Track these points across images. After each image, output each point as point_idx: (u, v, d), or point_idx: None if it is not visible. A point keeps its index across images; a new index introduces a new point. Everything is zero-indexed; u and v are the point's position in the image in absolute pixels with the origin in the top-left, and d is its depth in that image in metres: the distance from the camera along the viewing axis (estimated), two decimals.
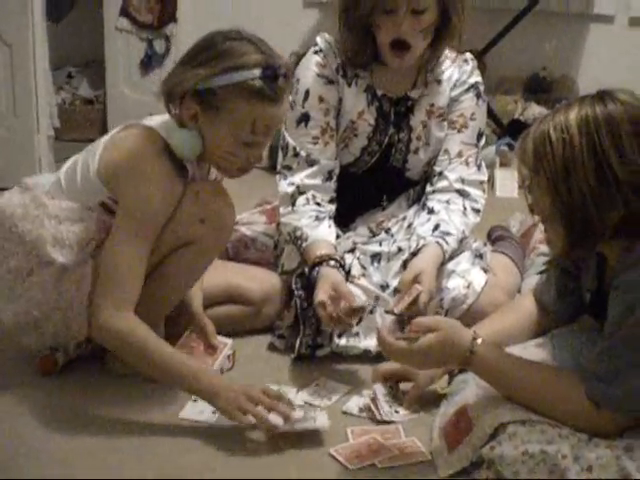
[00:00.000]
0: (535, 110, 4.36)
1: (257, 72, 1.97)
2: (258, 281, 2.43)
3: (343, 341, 2.33)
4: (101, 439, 1.94)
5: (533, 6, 4.24)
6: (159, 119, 2.11)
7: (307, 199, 2.43)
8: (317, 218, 2.41)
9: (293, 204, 2.44)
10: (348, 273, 2.38)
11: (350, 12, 2.36)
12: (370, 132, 2.50)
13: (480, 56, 4.24)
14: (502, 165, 3.90)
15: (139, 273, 2.01)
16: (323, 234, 2.39)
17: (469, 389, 1.92)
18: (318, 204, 2.43)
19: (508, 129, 4.14)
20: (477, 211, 2.50)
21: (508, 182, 3.77)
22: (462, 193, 2.49)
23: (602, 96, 1.71)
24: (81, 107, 4.58)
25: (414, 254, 2.38)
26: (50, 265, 2.05)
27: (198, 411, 2.03)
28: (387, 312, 2.24)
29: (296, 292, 2.37)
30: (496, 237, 2.79)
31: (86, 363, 2.23)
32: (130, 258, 2.00)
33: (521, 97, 4.53)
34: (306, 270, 2.35)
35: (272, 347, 2.39)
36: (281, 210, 2.47)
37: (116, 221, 2.03)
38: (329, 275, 2.26)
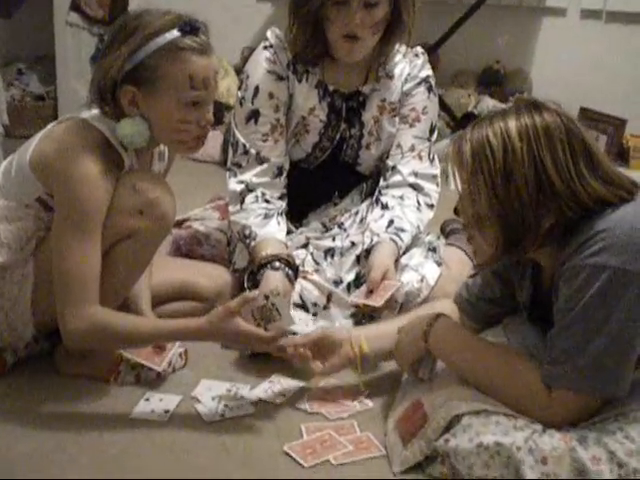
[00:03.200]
0: (489, 103, 4.38)
1: (176, 31, 1.96)
2: (210, 277, 2.41)
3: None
4: (51, 439, 1.90)
5: None
6: (96, 111, 2.07)
7: (256, 197, 2.42)
8: (266, 216, 2.40)
9: (242, 202, 2.42)
10: (297, 270, 2.36)
11: (302, 4, 2.34)
12: (321, 128, 2.49)
13: (433, 50, 4.26)
14: None
15: (92, 269, 1.96)
16: (271, 232, 2.37)
17: (424, 383, 1.92)
18: (267, 201, 2.42)
19: (462, 122, 4.15)
20: (431, 206, 2.51)
21: None
22: (415, 187, 2.49)
23: (536, 106, 1.75)
24: (32, 103, 4.52)
25: (368, 251, 2.38)
26: None
27: (149, 410, 2.01)
28: (358, 306, 2.28)
29: (249, 290, 2.35)
30: (450, 230, 2.79)
31: (36, 362, 2.18)
32: (80, 257, 1.95)
33: (475, 90, 4.56)
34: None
35: (224, 344, 2.36)
36: (230, 209, 2.46)
37: (55, 222, 1.98)
38: (268, 281, 2.25)
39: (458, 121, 4.22)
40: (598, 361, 1.66)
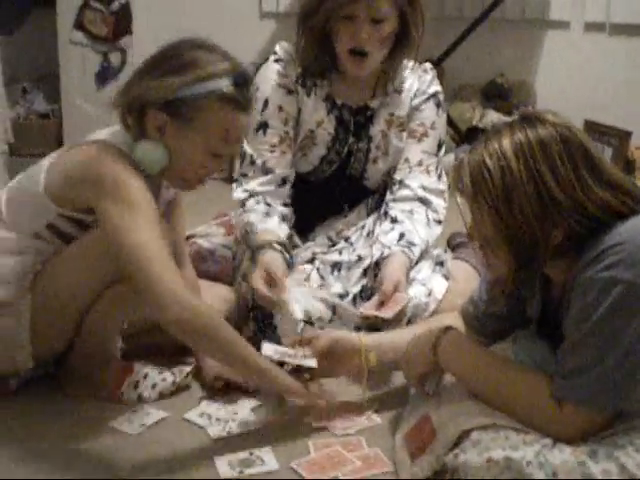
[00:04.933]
0: (493, 117, 4.38)
1: (229, 80, 1.95)
2: (213, 297, 2.34)
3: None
4: (53, 460, 1.88)
5: (489, 13, 4.25)
6: (105, 132, 2.05)
7: (257, 201, 2.43)
8: (267, 214, 2.40)
9: (243, 206, 2.43)
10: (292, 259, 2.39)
11: (310, 17, 2.35)
12: (329, 141, 2.49)
13: (437, 64, 4.25)
14: None
15: (168, 250, 1.88)
16: (272, 227, 2.37)
17: (431, 398, 1.90)
18: (268, 204, 2.42)
19: (466, 136, 4.15)
20: (439, 222, 2.51)
21: None
22: (424, 201, 2.48)
23: (530, 119, 1.73)
24: (36, 122, 4.53)
25: (377, 263, 2.37)
26: None
27: (128, 421, 2.02)
28: (367, 317, 2.28)
29: (254, 311, 2.34)
30: (457, 244, 2.78)
31: (41, 383, 2.16)
32: (155, 240, 1.85)
33: (479, 104, 4.55)
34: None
35: None
36: (234, 215, 2.46)
37: (108, 224, 1.87)
38: (264, 259, 2.27)
39: (463, 135, 4.22)
40: (609, 376, 1.64)
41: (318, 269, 2.44)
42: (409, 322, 2.33)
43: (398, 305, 2.27)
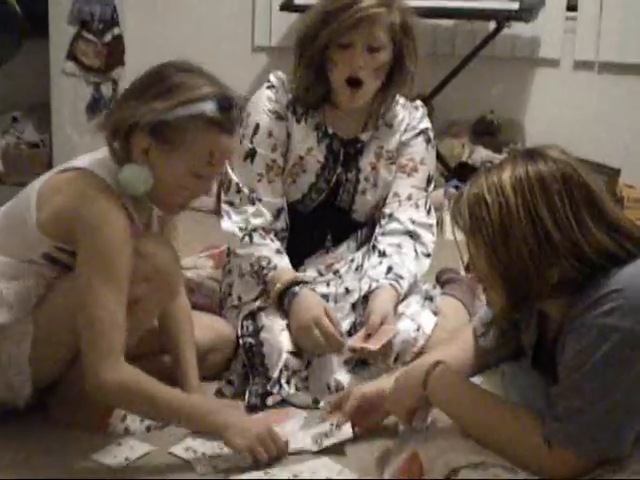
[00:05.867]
0: (482, 153, 4.39)
1: (214, 103, 1.95)
2: (203, 328, 2.35)
3: (292, 390, 2.29)
4: None
5: (479, 51, 4.28)
6: (89, 158, 2.04)
7: (261, 235, 2.42)
8: (278, 251, 2.42)
9: (250, 238, 2.42)
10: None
11: (307, 45, 2.38)
12: (319, 169, 2.50)
13: (427, 100, 4.27)
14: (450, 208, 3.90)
15: (121, 319, 1.92)
16: (289, 266, 2.40)
17: (420, 434, 1.89)
18: (272, 240, 2.43)
19: (456, 172, 4.16)
20: (427, 255, 2.51)
21: None
22: (412, 235, 2.49)
23: (532, 155, 1.70)
24: (27, 151, 4.52)
25: (365, 297, 2.37)
26: None
27: (112, 455, 2.01)
28: (355, 350, 2.28)
29: (243, 339, 2.34)
30: (445, 280, 2.78)
31: (25, 412, 2.14)
32: (110, 306, 1.90)
33: (468, 140, 4.57)
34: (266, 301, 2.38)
35: (220, 393, 2.32)
36: (233, 246, 2.46)
37: (81, 272, 1.93)
38: (308, 298, 2.31)
39: (452, 171, 4.23)
40: (602, 423, 1.63)
41: None
42: (397, 358, 2.33)
43: (385, 337, 2.26)
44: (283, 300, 2.36)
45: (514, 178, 1.66)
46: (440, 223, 3.74)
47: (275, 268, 2.38)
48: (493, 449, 1.73)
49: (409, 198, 2.51)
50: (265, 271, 2.39)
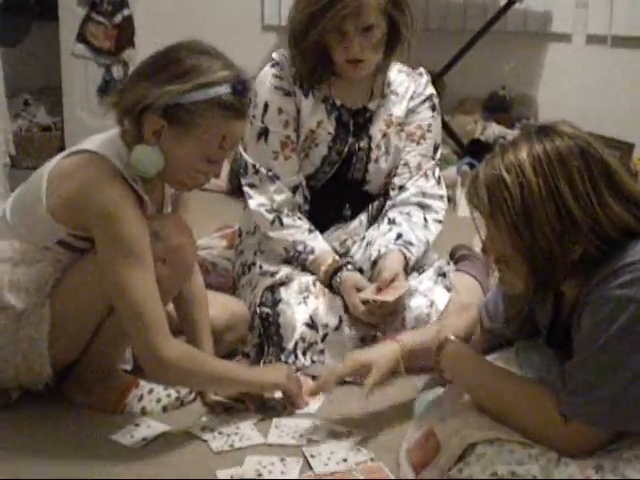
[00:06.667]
0: (495, 129, 4.37)
1: (229, 87, 1.94)
2: (218, 308, 2.35)
3: (308, 360, 2.30)
4: (52, 470, 1.88)
5: (490, 26, 4.25)
6: (100, 140, 2.03)
7: (289, 215, 2.46)
8: (310, 230, 2.46)
9: (280, 221, 2.45)
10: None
11: (301, 38, 2.40)
12: (330, 141, 2.51)
13: (439, 77, 4.25)
14: (463, 185, 3.88)
15: (158, 296, 1.94)
16: (324, 245, 2.45)
17: (436, 410, 1.89)
18: (300, 218, 2.46)
19: (469, 149, 4.14)
20: (439, 221, 2.53)
21: None
22: (422, 206, 2.52)
23: (547, 131, 1.68)
24: (38, 134, 4.52)
25: (376, 262, 2.41)
26: (7, 310, 1.99)
27: (129, 435, 2.02)
28: (367, 302, 2.31)
29: (260, 308, 2.36)
30: (459, 256, 2.77)
31: (43, 395, 2.14)
32: (146, 286, 1.91)
33: (481, 117, 4.55)
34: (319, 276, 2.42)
35: None
36: (264, 229, 2.48)
37: (104, 258, 1.93)
38: (351, 278, 2.37)
39: (465, 148, 4.21)
40: (617, 395, 1.62)
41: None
42: None
43: (398, 291, 2.29)
44: (331, 282, 2.40)
45: (532, 157, 1.64)
46: (453, 200, 3.75)
47: (313, 252, 2.43)
48: (508, 424, 1.73)
49: (418, 168, 2.54)
50: (303, 256, 2.43)
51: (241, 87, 1.96)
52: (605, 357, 1.63)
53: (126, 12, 4.29)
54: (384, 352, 2.04)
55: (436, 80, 4.22)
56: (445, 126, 4.27)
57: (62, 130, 4.45)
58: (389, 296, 2.29)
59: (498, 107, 4.58)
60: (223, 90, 1.94)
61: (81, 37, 4.29)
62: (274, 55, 2.53)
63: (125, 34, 4.31)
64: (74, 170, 1.98)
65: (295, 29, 2.42)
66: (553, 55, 4.58)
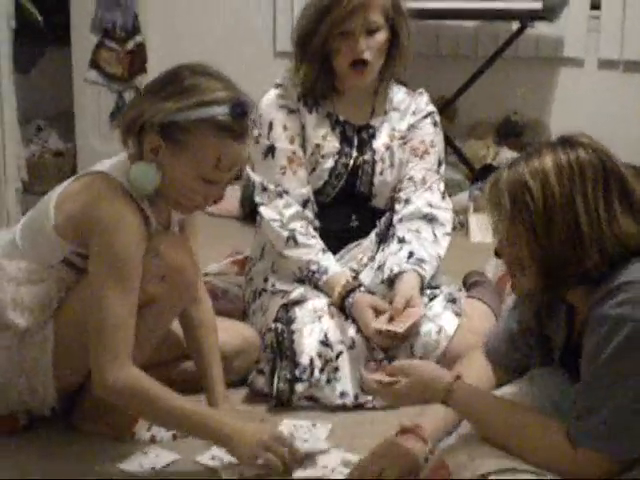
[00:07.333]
0: (507, 155, 4.35)
1: (226, 108, 1.94)
2: (229, 332, 2.35)
3: (324, 377, 2.30)
4: None
5: (502, 51, 4.26)
6: (110, 162, 2.06)
7: (302, 233, 2.47)
8: (324, 251, 2.47)
9: (295, 241, 2.46)
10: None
11: (308, 40, 2.46)
12: (335, 153, 2.54)
13: (451, 102, 4.26)
14: (476, 210, 3.87)
15: (130, 322, 1.93)
16: (336, 267, 2.46)
17: (446, 440, 1.87)
18: (314, 237, 2.48)
19: (480, 174, 4.12)
20: (447, 234, 2.55)
21: (482, 227, 3.75)
22: (430, 219, 2.53)
23: (571, 142, 1.70)
24: (51, 160, 4.54)
25: (390, 282, 2.41)
26: (10, 329, 1.99)
27: (137, 463, 2.01)
28: (380, 333, 2.30)
29: (275, 323, 2.35)
30: (472, 283, 2.76)
31: (51, 421, 2.14)
32: (118, 308, 1.91)
33: (493, 142, 4.54)
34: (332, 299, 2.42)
35: (247, 399, 2.33)
36: (278, 248, 2.48)
37: (92, 272, 1.94)
38: (365, 298, 2.38)
39: (476, 173, 4.20)
40: (620, 419, 1.61)
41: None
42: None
43: (411, 319, 2.29)
44: (344, 304, 2.40)
45: (557, 166, 1.66)
46: (465, 226, 3.74)
47: (327, 272, 2.44)
48: (520, 456, 1.70)
49: (423, 182, 2.56)
50: (317, 275, 2.44)
51: (240, 109, 1.96)
52: (603, 379, 1.62)
53: (138, 39, 4.32)
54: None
55: (448, 105, 4.25)
56: (457, 151, 4.28)
57: (74, 156, 4.46)
58: (400, 326, 2.27)
59: (510, 132, 4.57)
60: (220, 110, 1.94)
61: (94, 63, 4.31)
62: (277, 80, 2.58)
63: (137, 60, 4.33)
64: (81, 189, 2.00)
65: (301, 32, 2.49)
66: (565, 80, 4.58)
